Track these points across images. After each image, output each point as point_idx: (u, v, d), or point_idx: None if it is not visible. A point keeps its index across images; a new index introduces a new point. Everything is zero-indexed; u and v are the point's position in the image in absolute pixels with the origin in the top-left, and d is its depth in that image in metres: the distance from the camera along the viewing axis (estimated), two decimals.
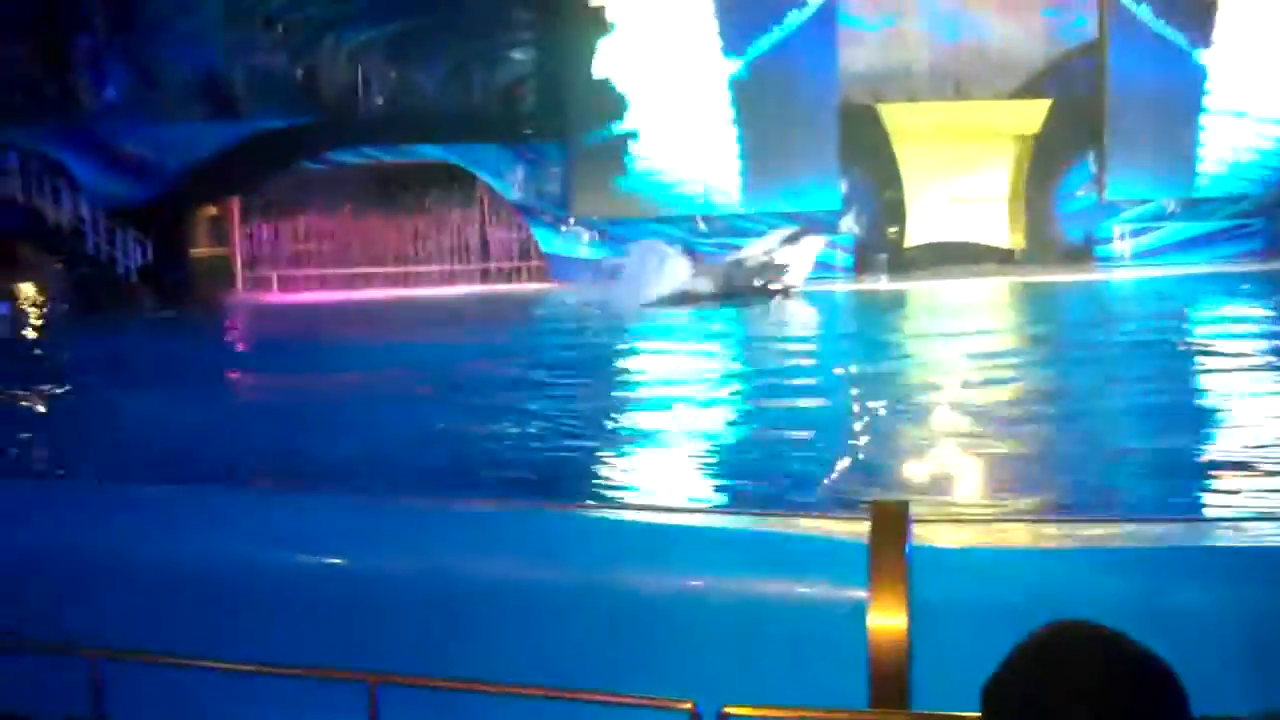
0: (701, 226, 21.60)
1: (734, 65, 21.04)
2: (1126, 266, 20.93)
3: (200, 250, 22.89)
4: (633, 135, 21.21)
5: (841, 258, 21.60)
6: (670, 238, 21.28)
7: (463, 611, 3.21)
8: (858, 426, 9.60)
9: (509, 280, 22.22)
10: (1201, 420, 9.49)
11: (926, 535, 3.10)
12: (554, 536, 3.78)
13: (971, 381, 11.40)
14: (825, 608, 2.91)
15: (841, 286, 20.22)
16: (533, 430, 9.42)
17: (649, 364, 14.18)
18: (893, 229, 22.11)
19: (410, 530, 3.69)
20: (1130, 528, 3.88)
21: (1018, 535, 3.98)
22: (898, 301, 19.44)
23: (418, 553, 3.52)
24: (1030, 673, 1.17)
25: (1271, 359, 12.43)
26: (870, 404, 10.61)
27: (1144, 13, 21.05)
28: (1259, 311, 16.42)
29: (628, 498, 7.65)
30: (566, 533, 3.88)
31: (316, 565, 3.56)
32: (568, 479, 8.01)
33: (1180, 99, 21.19)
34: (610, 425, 9.90)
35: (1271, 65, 21.24)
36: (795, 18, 20.92)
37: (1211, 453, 8.35)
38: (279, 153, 21.44)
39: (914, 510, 2.95)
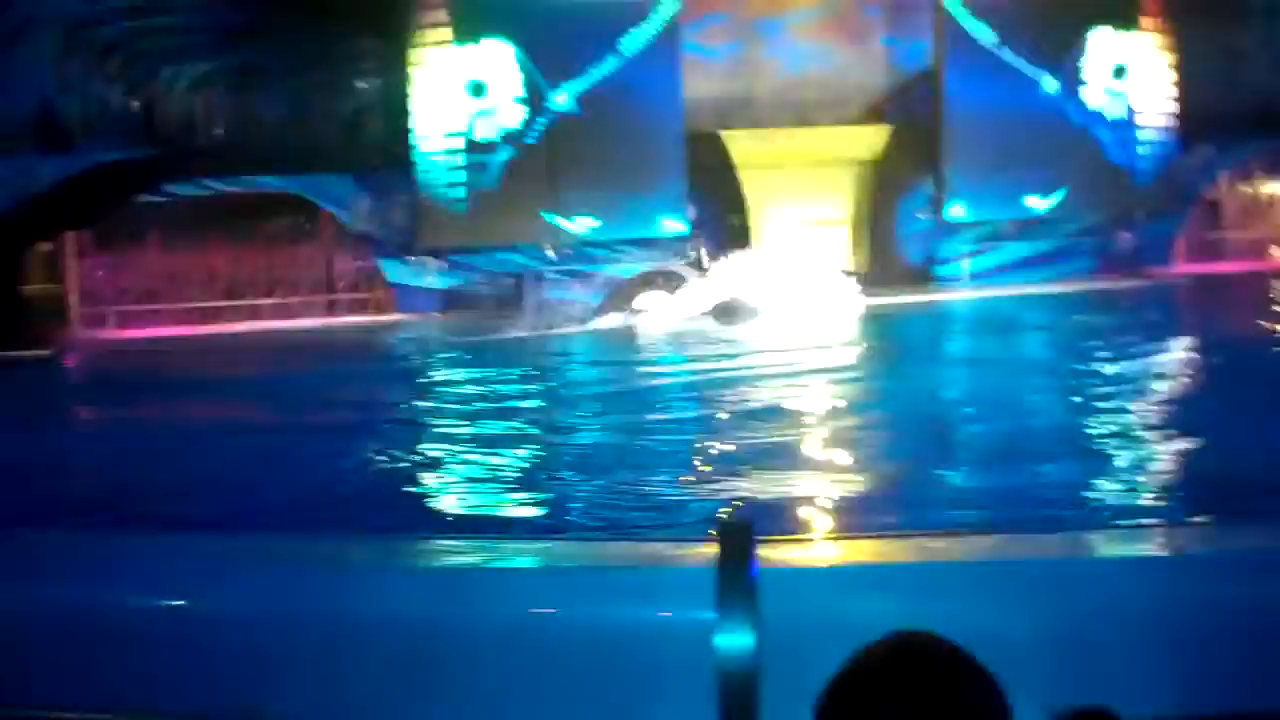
0: (550, 254, 21.55)
1: (575, 92, 20.99)
2: (965, 286, 21.32)
3: (33, 287, 22.29)
4: (478, 163, 21.06)
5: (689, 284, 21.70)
6: (517, 266, 21.37)
7: (287, 651, 3.08)
8: (702, 447, 9.59)
9: (355, 312, 21.97)
10: (1030, 435, 9.57)
11: (773, 555, 3.05)
12: (383, 570, 3.64)
13: (809, 399, 11.47)
14: (672, 633, 2.87)
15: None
16: (383, 460, 9.20)
17: (497, 390, 14.05)
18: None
19: (241, 568, 3.50)
20: (975, 541, 3.89)
21: (864, 551, 3.95)
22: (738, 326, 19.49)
23: (246, 591, 3.29)
24: (859, 688, 1.13)
25: (1094, 371, 12.64)
26: (712, 426, 10.63)
27: (985, 38, 21.61)
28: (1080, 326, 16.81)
29: (466, 527, 7.52)
30: (398, 566, 3.75)
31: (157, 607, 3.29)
32: (407, 508, 7.85)
33: (1017, 123, 21.71)
34: (455, 453, 9.77)
35: (1108, 92, 21.95)
36: (635, 45, 20.95)
37: (1045, 467, 8.40)
38: (116, 186, 20.98)
39: (760, 529, 2.89)
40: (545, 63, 20.88)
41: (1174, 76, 22.09)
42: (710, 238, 21.91)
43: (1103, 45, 22.15)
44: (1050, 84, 22.06)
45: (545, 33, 20.76)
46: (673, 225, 21.55)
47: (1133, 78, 22.13)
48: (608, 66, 21.00)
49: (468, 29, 20.66)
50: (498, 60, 20.85)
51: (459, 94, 20.86)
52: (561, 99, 21.01)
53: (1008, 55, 21.82)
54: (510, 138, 21.06)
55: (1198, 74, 21.89)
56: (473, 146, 21.03)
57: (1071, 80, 22.11)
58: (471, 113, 20.92)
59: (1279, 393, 9.68)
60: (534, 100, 20.99)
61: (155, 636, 3.19)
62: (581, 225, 21.44)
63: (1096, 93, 22.19)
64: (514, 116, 21.01)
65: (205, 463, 9.00)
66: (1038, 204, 21.89)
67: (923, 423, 10.01)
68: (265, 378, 14.51)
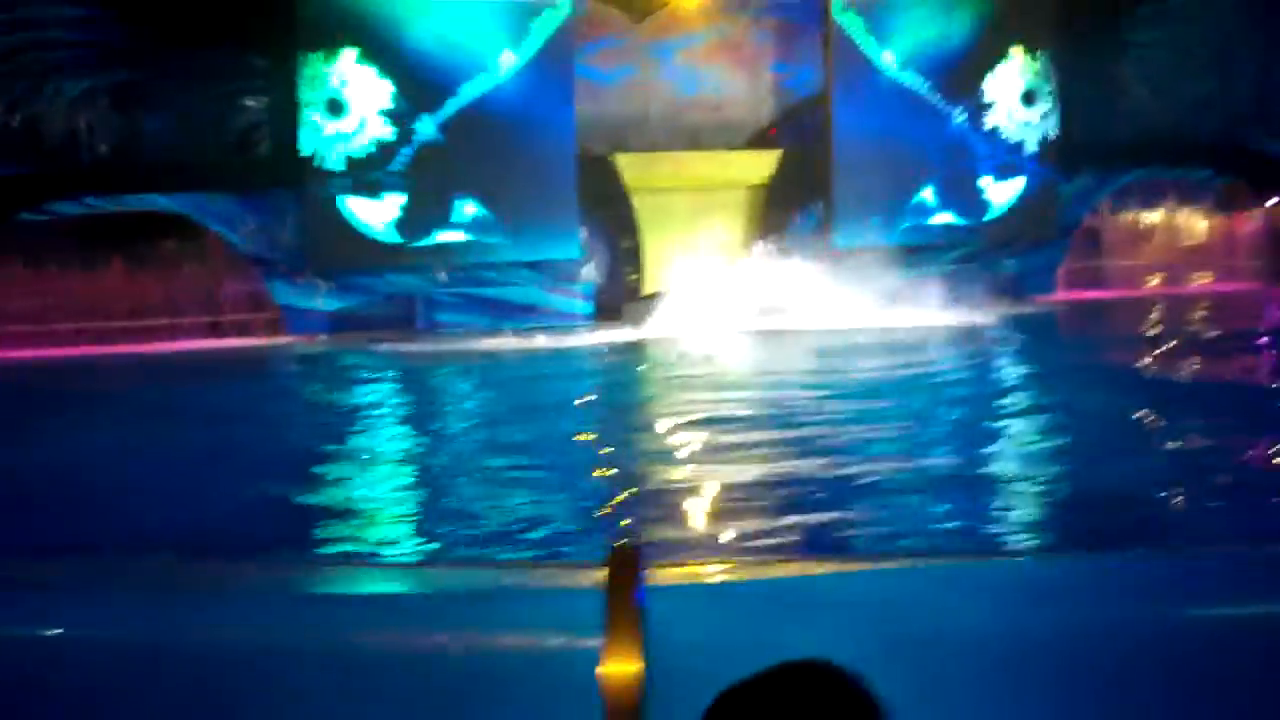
0: (441, 276, 21.51)
1: (461, 113, 20.99)
2: (853, 312, 21.51)
3: None
4: (366, 186, 20.96)
5: (581, 306, 21.87)
6: (409, 288, 21.32)
7: (149, 679, 3.00)
8: (590, 471, 9.61)
9: (241, 333, 21.74)
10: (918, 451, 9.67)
11: (663, 577, 3.04)
12: (260, 596, 3.54)
13: (697, 423, 11.54)
14: (559, 658, 2.88)
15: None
16: (267, 483, 9.07)
17: (394, 410, 13.97)
18: (631, 276, 22.44)
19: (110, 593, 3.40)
20: (862, 562, 3.93)
21: (752, 572, 3.95)
22: (631, 348, 19.61)
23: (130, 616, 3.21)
24: (741, 713, 1.15)
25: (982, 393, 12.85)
26: (600, 448, 10.68)
27: (878, 64, 21.95)
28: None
29: (353, 552, 7.46)
30: (279, 591, 3.64)
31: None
32: (291, 533, 7.75)
33: (904, 151, 22.11)
34: (336, 473, 9.69)
35: (996, 120, 22.40)
36: (524, 60, 21.00)
37: (927, 488, 8.50)
38: None
39: (649, 553, 2.88)
40: (428, 83, 20.79)
41: (1057, 106, 22.50)
42: (602, 260, 22.05)
43: (992, 74, 22.53)
44: (939, 112, 22.37)
45: (426, 53, 20.69)
46: (564, 248, 21.59)
47: (1018, 107, 22.53)
48: (495, 86, 20.93)
49: (343, 47, 20.51)
50: (378, 81, 20.70)
51: (347, 114, 20.71)
52: (446, 121, 20.91)
53: (900, 81, 22.12)
54: (398, 159, 20.94)
55: (1079, 104, 22.38)
56: (360, 167, 20.87)
57: (960, 109, 22.46)
58: (360, 133, 20.77)
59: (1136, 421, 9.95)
60: (418, 121, 20.88)
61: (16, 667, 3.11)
62: (472, 248, 21.37)
63: (985, 121, 22.57)
64: (400, 137, 20.90)
65: (83, 485, 8.91)
66: (923, 231, 22.21)
67: (808, 445, 10.12)
68: (152, 399, 14.35)
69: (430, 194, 21.09)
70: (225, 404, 13.89)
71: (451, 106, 21.03)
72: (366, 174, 20.92)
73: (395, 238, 21.12)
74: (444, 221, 21.25)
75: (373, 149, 20.87)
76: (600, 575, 2.76)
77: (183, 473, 9.48)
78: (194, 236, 21.55)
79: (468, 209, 21.30)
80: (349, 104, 20.83)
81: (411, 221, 21.12)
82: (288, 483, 9.22)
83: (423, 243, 21.25)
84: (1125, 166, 22.75)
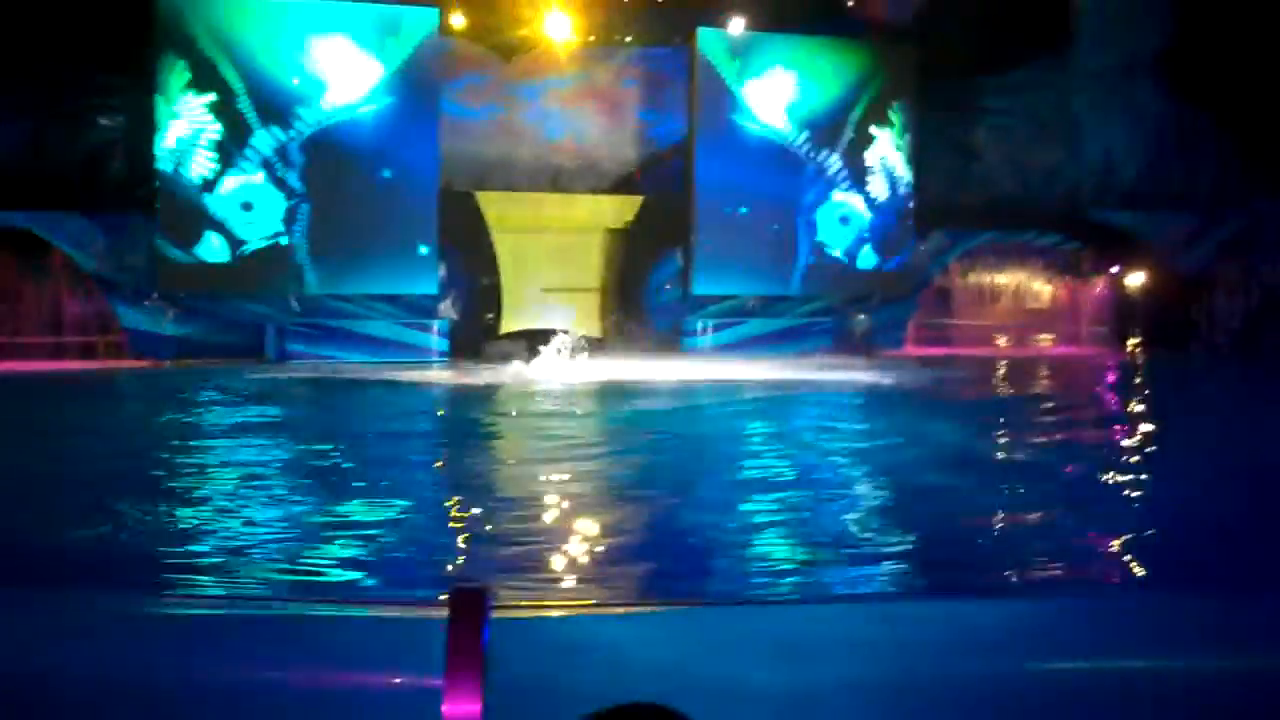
0: (295, 306, 21.24)
1: (317, 139, 20.83)
2: (709, 358, 21.80)
3: None
4: (221, 209, 20.64)
5: (437, 342, 21.79)
6: (260, 316, 21.00)
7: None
8: (435, 510, 9.42)
9: (84, 356, 21.18)
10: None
11: (506, 617, 2.92)
12: (105, 626, 3.34)
13: (540, 464, 11.41)
14: (402, 696, 2.78)
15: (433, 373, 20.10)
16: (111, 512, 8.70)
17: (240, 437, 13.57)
18: (488, 315, 22.42)
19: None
20: (703, 604, 3.85)
21: (594, 613, 3.83)
22: (481, 388, 19.44)
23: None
24: None
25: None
26: (447, 489, 10.53)
27: (740, 116, 22.33)
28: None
29: (185, 585, 7.20)
30: (116, 624, 3.43)
31: None
32: (132, 564, 7.43)
33: (763, 203, 22.51)
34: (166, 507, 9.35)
35: (853, 177, 22.92)
36: (384, 80, 20.93)
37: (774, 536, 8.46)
38: None
39: (492, 592, 2.76)
40: (285, 103, 20.61)
41: (913, 167, 23.11)
42: (460, 297, 22.00)
43: (853, 132, 23.07)
44: (801, 165, 22.83)
45: (284, 68, 20.56)
46: (422, 283, 21.50)
47: (876, 166, 23.10)
48: (356, 107, 20.85)
49: (205, 73, 20.25)
50: (235, 106, 20.45)
51: (200, 138, 20.41)
52: (303, 142, 20.75)
53: (764, 134, 22.53)
54: (252, 184, 20.70)
55: (934, 166, 23.03)
56: (214, 190, 20.57)
57: (820, 164, 22.94)
58: (212, 159, 20.48)
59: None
60: (274, 142, 20.68)
61: None
62: (327, 278, 21.15)
63: (845, 177, 23.08)
64: (253, 163, 20.66)
65: None
66: (778, 283, 22.61)
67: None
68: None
69: (284, 219, 20.81)
70: (51, 424, 13.49)
71: (308, 127, 20.78)
72: (228, 201, 20.58)
73: (251, 265, 20.75)
74: (301, 251, 20.93)
75: (224, 169, 20.53)
76: (443, 614, 2.76)
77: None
78: (38, 255, 20.97)
79: (326, 239, 20.99)
80: (202, 124, 20.48)
81: (267, 251, 20.79)
82: (120, 507, 8.96)
83: (278, 271, 20.88)
84: (976, 229, 23.42)
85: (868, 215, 23.22)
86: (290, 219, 20.92)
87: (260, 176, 20.77)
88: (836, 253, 23.15)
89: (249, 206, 20.81)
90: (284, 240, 20.93)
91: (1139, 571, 7.21)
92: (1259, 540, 7.25)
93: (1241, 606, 3.55)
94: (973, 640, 3.24)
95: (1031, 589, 6.73)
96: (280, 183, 20.82)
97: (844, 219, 23.11)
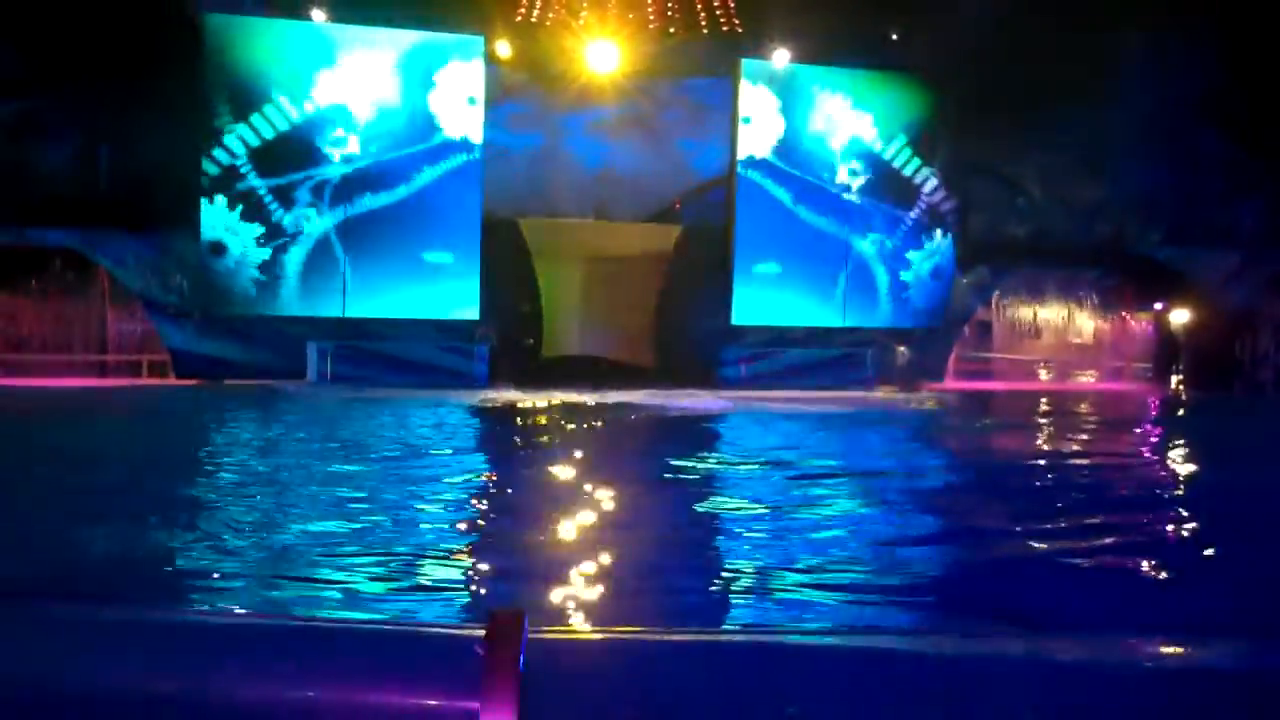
0: (337, 330, 21.38)
1: (356, 163, 21.04)
2: (748, 388, 21.72)
3: None
4: (266, 232, 20.86)
5: (477, 366, 21.81)
6: (305, 339, 21.12)
7: None
8: (470, 531, 9.37)
9: (129, 374, 21.40)
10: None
11: (545, 642, 2.91)
12: (141, 643, 3.34)
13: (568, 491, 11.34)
14: (434, 719, 2.75)
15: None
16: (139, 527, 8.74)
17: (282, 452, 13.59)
18: (529, 341, 22.47)
19: None
20: (746, 635, 3.82)
21: (634, 640, 3.82)
22: (518, 409, 19.41)
23: None
24: None
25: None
26: (482, 510, 10.50)
27: (786, 149, 22.39)
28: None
29: (218, 602, 7.21)
30: (155, 639, 3.43)
31: None
32: (152, 581, 7.44)
33: (804, 234, 22.50)
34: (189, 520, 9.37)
35: (894, 208, 22.89)
36: (431, 120, 21.13)
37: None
38: None
39: (531, 619, 2.76)
40: (328, 131, 20.87)
41: (956, 201, 23.05)
42: (502, 323, 22.07)
43: (892, 165, 23.05)
44: (838, 198, 22.83)
45: (321, 102, 20.83)
46: (464, 309, 21.61)
47: (918, 199, 23.06)
48: (403, 139, 21.11)
49: (251, 97, 20.57)
50: (282, 130, 20.72)
51: (246, 161, 20.67)
52: (345, 170, 20.99)
53: (803, 165, 22.58)
54: (297, 207, 20.90)
55: (977, 200, 22.97)
56: (258, 212, 20.80)
57: (859, 196, 22.93)
58: (257, 181, 20.73)
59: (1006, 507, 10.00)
60: (322, 172, 20.91)
61: None
62: (369, 301, 21.30)
63: (884, 209, 23.05)
64: (298, 186, 20.89)
65: None
66: (817, 314, 22.57)
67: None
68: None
69: (328, 242, 21.00)
70: (91, 445, 13.55)
71: (354, 151, 21.03)
72: (262, 218, 20.80)
73: (291, 290, 20.92)
74: (345, 275, 21.10)
75: (269, 192, 20.76)
76: (481, 637, 2.74)
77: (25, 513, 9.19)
78: (84, 273, 21.26)
79: (370, 264, 21.14)
80: (248, 147, 20.74)
81: (312, 274, 20.97)
82: (150, 524, 8.97)
83: (322, 295, 21.04)
84: (1017, 263, 23.31)
85: (909, 247, 23.14)
86: (334, 242, 21.06)
87: (306, 200, 20.96)
88: (878, 284, 23.03)
89: (294, 229, 21.00)
90: (327, 263, 21.06)
91: None
92: None
93: None
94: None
95: None
96: (325, 206, 21.01)
97: (885, 249, 23.05)
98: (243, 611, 6.76)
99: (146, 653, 3.17)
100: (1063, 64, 21.59)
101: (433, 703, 2.84)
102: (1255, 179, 22.79)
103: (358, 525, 8.63)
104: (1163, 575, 7.44)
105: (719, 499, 10.32)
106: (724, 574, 7.55)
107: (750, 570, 7.60)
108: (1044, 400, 21.16)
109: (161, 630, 3.64)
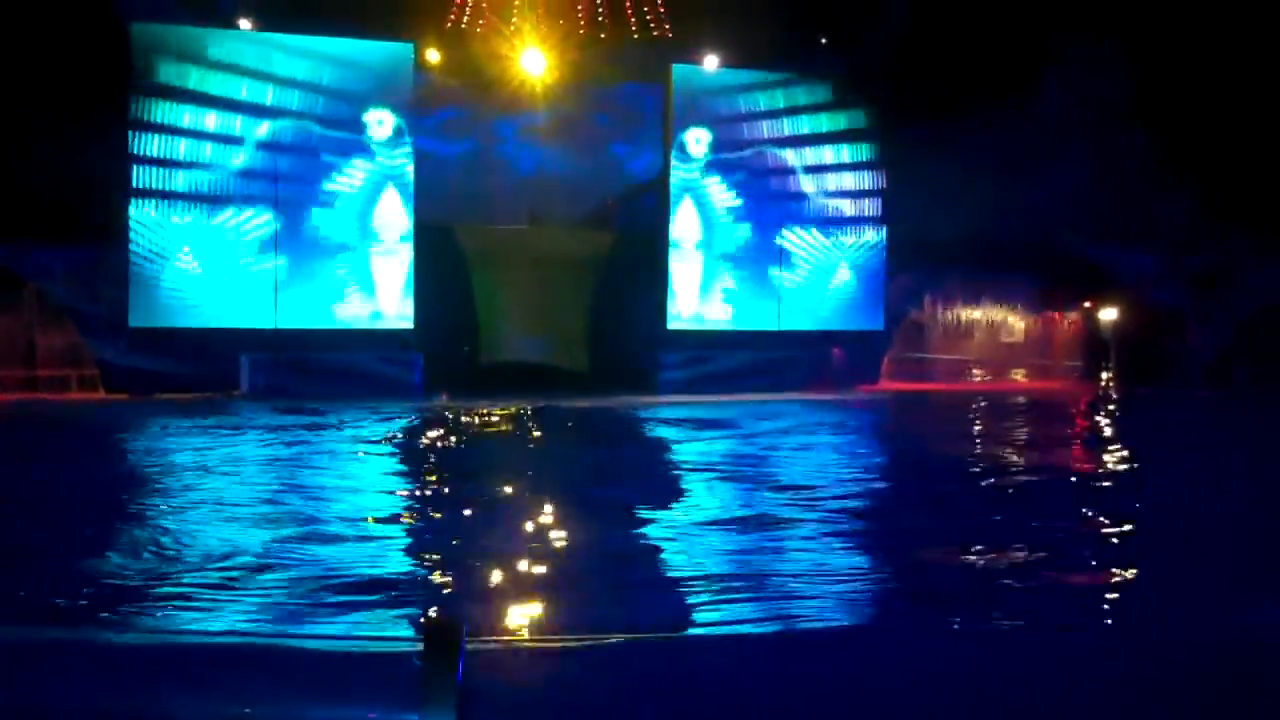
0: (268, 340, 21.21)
1: (286, 171, 20.92)
2: (683, 391, 21.74)
3: None
4: (195, 242, 20.65)
5: (413, 375, 21.69)
6: (231, 349, 20.87)
7: None
8: (413, 542, 9.26)
9: (58, 389, 21.09)
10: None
11: (482, 651, 2.83)
12: (74, 665, 3.23)
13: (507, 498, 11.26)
14: None
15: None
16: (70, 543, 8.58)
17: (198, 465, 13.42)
18: (465, 349, 22.39)
19: None
20: (694, 637, 3.78)
21: (573, 648, 3.74)
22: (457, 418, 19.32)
23: None
24: None
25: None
26: (428, 517, 10.41)
27: (717, 153, 22.47)
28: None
29: (152, 621, 7.07)
30: (87, 661, 3.32)
31: None
32: (84, 597, 7.29)
33: (738, 239, 22.60)
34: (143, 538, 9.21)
35: (828, 212, 23.04)
36: (360, 127, 21.04)
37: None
38: None
39: (469, 627, 2.69)
40: (255, 139, 20.77)
41: (886, 204, 23.25)
42: (435, 331, 21.94)
43: (822, 169, 23.20)
44: (770, 202, 22.96)
45: (248, 110, 20.68)
46: (398, 318, 21.51)
47: (849, 202, 23.23)
48: (332, 146, 21.01)
49: (178, 105, 20.42)
50: (208, 138, 20.60)
51: (173, 171, 20.47)
52: (276, 178, 20.85)
53: (734, 170, 22.68)
54: (226, 217, 20.74)
55: (906, 202, 23.15)
56: (186, 223, 20.61)
57: (791, 200, 23.07)
58: (185, 191, 20.56)
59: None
60: (251, 180, 20.75)
61: None
62: (302, 311, 21.14)
63: (815, 213, 23.20)
64: (228, 195, 20.75)
65: None
66: (751, 318, 22.68)
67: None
68: None
69: (259, 252, 20.85)
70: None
71: (283, 159, 20.90)
72: (190, 229, 20.61)
73: (221, 301, 20.74)
74: (275, 285, 20.94)
75: (198, 201, 20.59)
76: (417, 649, 2.70)
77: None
78: (11, 287, 20.93)
79: (300, 274, 20.99)
80: (175, 156, 20.56)
81: (236, 279, 20.81)
82: (78, 542, 8.85)
83: (253, 305, 20.86)
84: (949, 265, 23.53)
85: (840, 251, 23.31)
86: (266, 252, 20.91)
87: (234, 209, 20.83)
88: (812, 287, 23.19)
89: (223, 239, 20.83)
90: (259, 274, 20.89)
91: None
92: None
93: None
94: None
95: None
96: (255, 215, 20.88)
97: (816, 254, 23.20)
98: (174, 632, 6.69)
99: (79, 675, 3.14)
100: (989, 66, 21.85)
101: (370, 718, 2.83)
102: (1179, 178, 23.14)
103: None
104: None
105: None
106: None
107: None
108: (975, 401, 21.43)
109: (94, 652, 3.60)
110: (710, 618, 6.92)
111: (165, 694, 3.11)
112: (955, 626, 6.16)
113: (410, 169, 21.56)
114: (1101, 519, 9.42)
